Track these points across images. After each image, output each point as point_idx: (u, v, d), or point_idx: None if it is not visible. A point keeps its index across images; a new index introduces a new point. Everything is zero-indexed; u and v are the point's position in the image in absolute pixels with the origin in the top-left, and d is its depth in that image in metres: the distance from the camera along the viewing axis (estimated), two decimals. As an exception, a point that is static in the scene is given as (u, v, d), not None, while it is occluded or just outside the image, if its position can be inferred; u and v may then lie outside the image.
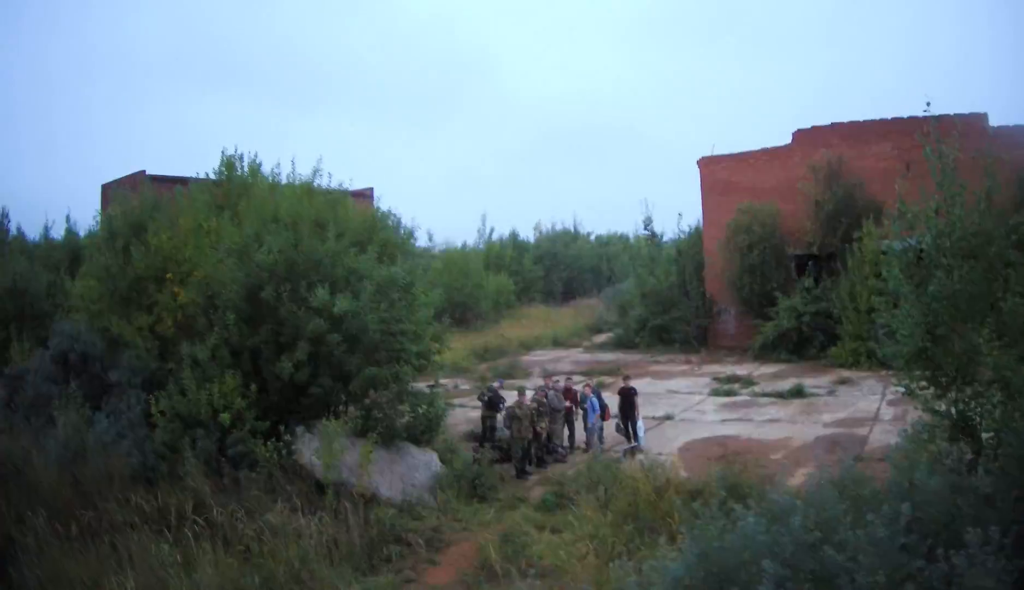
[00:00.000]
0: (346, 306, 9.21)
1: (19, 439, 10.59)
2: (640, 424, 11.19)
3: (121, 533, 8.09)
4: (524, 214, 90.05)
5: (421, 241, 32.32)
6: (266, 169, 13.72)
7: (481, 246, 33.97)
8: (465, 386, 16.59)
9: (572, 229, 37.86)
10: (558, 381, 12.45)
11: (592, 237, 39.36)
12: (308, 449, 9.24)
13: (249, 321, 9.76)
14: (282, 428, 9.32)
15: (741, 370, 17.30)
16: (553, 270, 32.98)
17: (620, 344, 22.40)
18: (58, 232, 22.72)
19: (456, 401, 14.42)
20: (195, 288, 10.51)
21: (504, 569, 7.31)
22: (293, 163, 17.72)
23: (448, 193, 68.17)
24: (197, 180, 13.49)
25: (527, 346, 22.79)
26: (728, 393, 14.92)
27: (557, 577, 7.11)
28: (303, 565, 7.54)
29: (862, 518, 4.31)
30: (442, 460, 10.03)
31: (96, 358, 11.22)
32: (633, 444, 10.90)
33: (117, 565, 7.49)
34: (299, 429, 9.45)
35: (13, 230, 23.70)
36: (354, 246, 10.20)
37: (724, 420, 12.94)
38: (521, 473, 10.42)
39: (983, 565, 3.95)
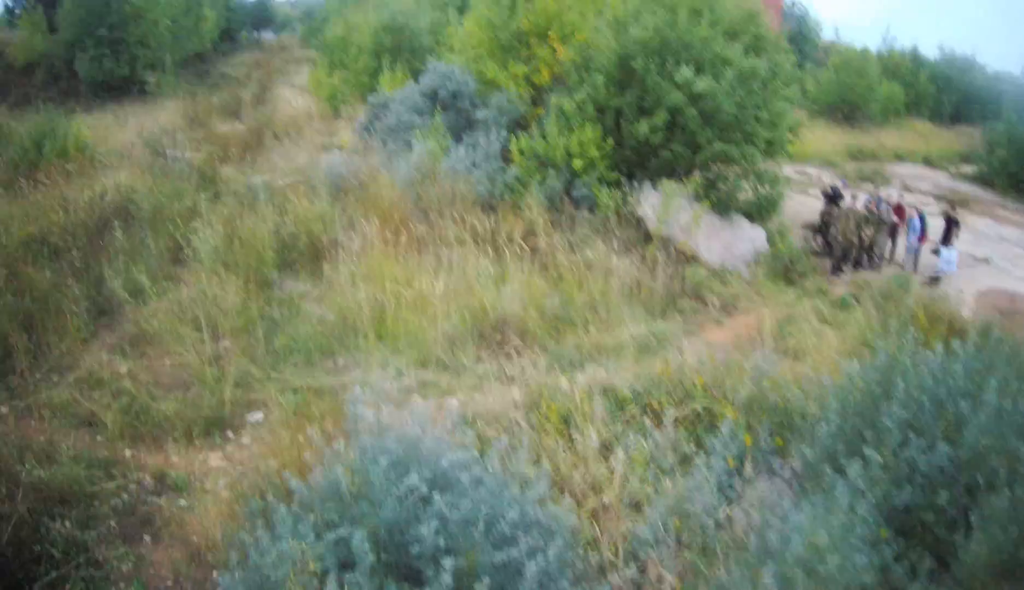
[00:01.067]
0: (705, 86, 12.91)
1: (370, 158, 15.49)
2: (953, 255, 14.12)
3: (449, 247, 12.01)
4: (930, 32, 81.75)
5: (827, 35, 41.58)
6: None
7: (882, 51, 39.12)
8: (827, 179, 20.42)
9: (970, 57, 40.48)
10: (890, 195, 15.88)
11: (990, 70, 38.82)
12: (647, 202, 13.31)
13: (617, 85, 13.95)
14: (627, 181, 13.57)
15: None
16: (945, 91, 36.95)
17: (982, 179, 25.62)
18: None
19: (811, 190, 18.52)
20: (574, 48, 14.78)
21: (766, 342, 9.98)
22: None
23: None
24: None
25: (899, 157, 27.38)
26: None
27: (802, 359, 9.66)
28: (603, 298, 11.09)
29: None
30: (769, 240, 13.92)
31: (466, 96, 15.92)
32: (939, 270, 14.01)
33: (435, 270, 11.28)
34: (645, 184, 13.52)
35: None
36: (727, 35, 13.77)
37: (1037, 279, 15.46)
38: (835, 270, 14.06)
39: None
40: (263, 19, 62.59)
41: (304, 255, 12.58)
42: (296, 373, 9.68)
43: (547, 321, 10.37)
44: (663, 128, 13.28)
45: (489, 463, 5.17)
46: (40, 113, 22.23)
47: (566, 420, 7.08)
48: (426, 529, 4.44)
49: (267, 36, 60.22)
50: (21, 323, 10.94)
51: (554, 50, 15.34)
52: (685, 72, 12.97)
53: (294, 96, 29.78)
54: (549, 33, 15.41)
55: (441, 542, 4.43)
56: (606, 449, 6.45)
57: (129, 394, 9.28)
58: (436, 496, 4.60)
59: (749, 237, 13.81)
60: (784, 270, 13.17)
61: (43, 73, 33.72)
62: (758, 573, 4.25)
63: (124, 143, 21.25)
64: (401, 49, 23.69)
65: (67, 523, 6.94)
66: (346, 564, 4.51)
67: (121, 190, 15.71)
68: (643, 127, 13.29)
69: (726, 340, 10.41)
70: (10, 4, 40.57)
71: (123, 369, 9.96)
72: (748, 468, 5.70)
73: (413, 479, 4.66)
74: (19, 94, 32.23)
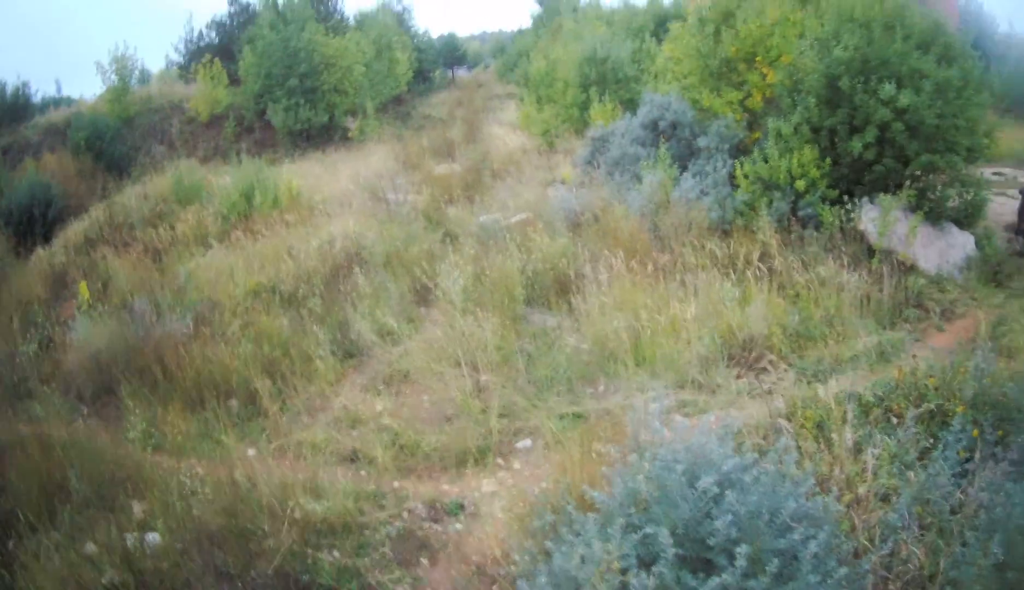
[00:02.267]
0: (908, 101, 14.41)
1: (600, 191, 17.67)
2: None
3: (692, 273, 13.70)
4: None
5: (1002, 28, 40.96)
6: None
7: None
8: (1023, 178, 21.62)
9: None
10: None
11: None
12: (867, 217, 14.73)
13: (827, 104, 15.45)
14: (846, 198, 15.02)
15: None
16: None
17: None
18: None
19: (1009, 191, 19.60)
20: (782, 71, 16.45)
21: (983, 343, 10.51)
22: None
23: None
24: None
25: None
26: None
27: (1015, 357, 10.76)
28: (837, 313, 12.73)
29: None
30: (977, 245, 15.28)
31: (686, 125, 17.91)
32: None
33: (683, 295, 12.78)
34: (863, 200, 15.01)
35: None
36: (918, 48, 15.11)
37: None
38: None
39: None
40: (455, 56, 65.76)
41: (550, 289, 14.16)
42: (559, 401, 10.99)
43: (789, 337, 11.82)
44: (874, 144, 14.72)
45: (763, 465, 6.26)
46: (238, 165, 24.76)
47: (819, 425, 8.31)
48: (721, 523, 5.50)
49: (461, 73, 63.13)
50: (264, 369, 12.72)
51: (763, 74, 17.02)
52: (888, 88, 14.40)
53: (505, 133, 31.49)
54: (756, 58, 17.13)
55: (733, 533, 5.50)
56: (857, 449, 7.55)
57: (390, 430, 10.79)
58: (728, 494, 5.72)
59: (960, 243, 15.12)
60: (993, 273, 14.48)
61: (232, 126, 36.58)
62: (986, 544, 5.47)
63: (339, 190, 23.37)
64: (606, 80, 25.67)
65: (336, 553, 8.22)
66: (644, 561, 5.60)
67: (350, 237, 17.65)
68: (856, 144, 14.76)
69: (948, 344, 11.73)
70: (179, 60, 43.96)
71: (379, 407, 11.42)
72: (976, 457, 6.83)
73: (706, 481, 5.75)
74: (207, 147, 35.26)
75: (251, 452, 10.72)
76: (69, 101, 45.26)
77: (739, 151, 16.96)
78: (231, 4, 43.09)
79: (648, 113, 18.47)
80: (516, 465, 9.79)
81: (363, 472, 9.95)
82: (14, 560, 8.55)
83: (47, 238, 25.83)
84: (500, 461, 9.90)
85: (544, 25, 43.84)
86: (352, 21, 44.34)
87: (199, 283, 17.10)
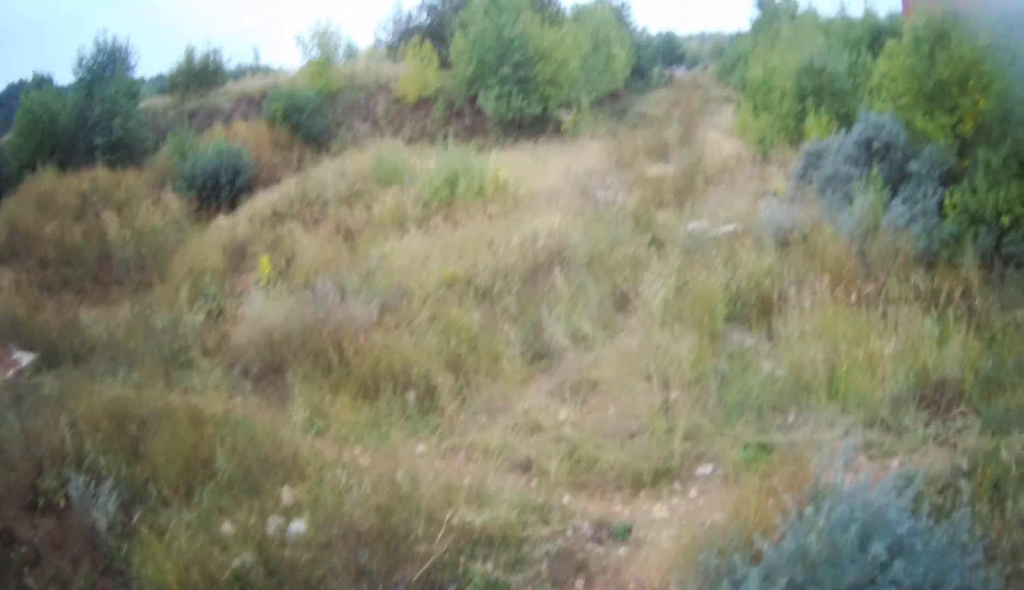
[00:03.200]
0: None
1: (811, 208, 17.43)
2: None
3: (894, 305, 13.25)
4: None
5: None
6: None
7: None
8: None
9: None
10: None
11: None
12: None
13: None
14: None
15: None
16: None
17: None
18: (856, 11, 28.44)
19: None
20: (994, 98, 15.98)
21: None
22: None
23: None
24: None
25: None
26: None
27: None
28: None
29: None
30: None
31: (899, 148, 17.52)
32: None
33: (883, 328, 12.30)
34: None
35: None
36: None
37: None
38: None
39: None
40: (673, 55, 65.54)
41: (753, 308, 14.03)
42: (746, 427, 10.96)
43: (980, 382, 11.40)
44: None
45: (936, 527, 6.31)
46: (445, 149, 24.98)
47: (996, 485, 8.16)
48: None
49: (679, 72, 63.14)
50: (447, 363, 12.96)
51: (975, 100, 16.43)
52: None
53: (720, 138, 31.57)
54: (969, 82, 16.48)
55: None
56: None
57: (569, 441, 10.83)
58: (897, 563, 5.80)
59: None
60: None
61: (441, 109, 37.20)
62: None
63: (548, 184, 23.63)
64: (822, 92, 25.21)
65: (490, 565, 8.24)
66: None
67: (554, 234, 17.71)
68: None
69: None
70: (387, 39, 45.34)
71: (562, 415, 11.57)
72: None
73: (877, 547, 5.85)
74: (414, 129, 36.12)
75: (420, 449, 11.35)
76: (267, 70, 46.86)
77: (949, 179, 16.45)
78: (443, -15, 43.61)
79: (863, 132, 18.09)
80: (692, 492, 9.81)
81: (534, 482, 10.21)
82: (134, 534, 8.96)
83: (233, 206, 26.71)
84: (677, 486, 9.92)
85: (761, 29, 43.20)
86: (569, 13, 44.42)
87: (391, 268, 17.28)
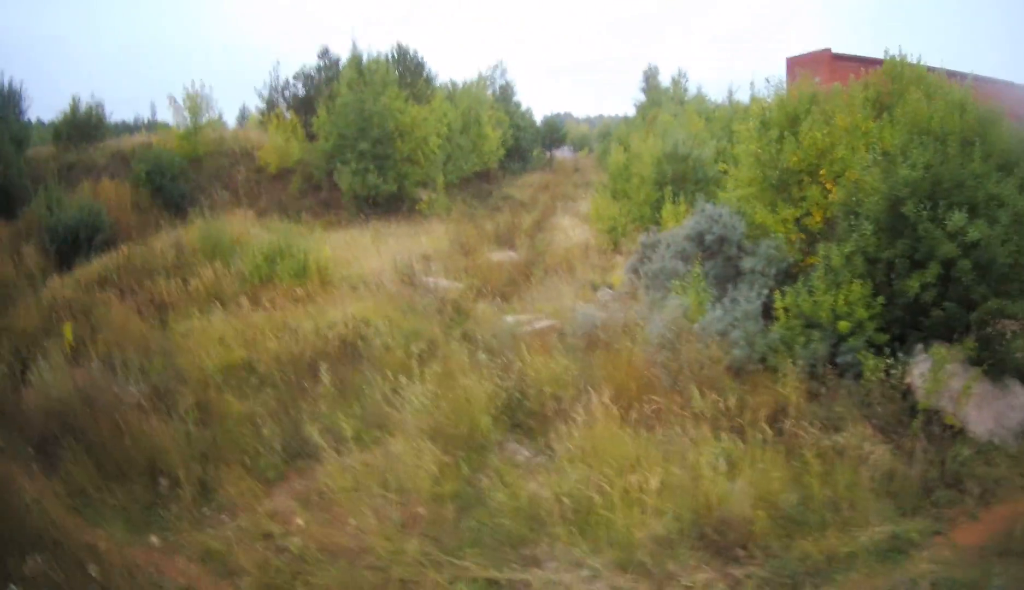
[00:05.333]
0: (979, 233, 12.54)
1: (632, 307, 16.20)
2: None
3: (682, 425, 11.80)
4: None
5: None
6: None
7: None
8: None
9: None
10: None
11: None
12: (917, 370, 12.81)
13: (887, 232, 13.64)
14: (897, 345, 13.06)
15: None
16: None
17: None
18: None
19: None
20: (844, 189, 14.68)
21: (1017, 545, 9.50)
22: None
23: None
24: (878, 63, 17.82)
25: None
26: None
27: None
28: (849, 492, 10.67)
29: None
30: None
31: (734, 242, 16.18)
32: None
33: (661, 455, 10.97)
34: (917, 347, 13.11)
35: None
36: (1000, 170, 13.36)
37: None
38: None
39: None
40: (555, 137, 66.03)
41: (535, 418, 12.70)
42: (483, 558, 9.54)
43: (778, 521, 9.98)
44: (935, 283, 12.86)
45: None
46: (293, 223, 24.37)
47: None
48: None
49: (563, 155, 63.62)
50: (201, 454, 12.09)
51: (826, 191, 15.32)
52: (958, 218, 12.55)
53: (574, 225, 30.84)
54: (820, 171, 15.44)
55: None
56: None
57: (292, 554, 9.85)
58: None
59: (1021, 404, 12.91)
60: None
61: (299, 181, 36.78)
62: None
63: (376, 268, 22.66)
64: (686, 179, 24.48)
65: None
66: None
67: (349, 323, 16.84)
68: (914, 283, 12.91)
69: (978, 540, 9.84)
70: (261, 106, 44.39)
71: (300, 522, 10.55)
72: None
73: None
74: (270, 201, 35.26)
75: (154, 540, 10.41)
76: (164, 126, 46.21)
77: (789, 277, 15.15)
78: (320, 57, 43.88)
79: (695, 224, 16.85)
80: None
81: None
82: None
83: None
84: None
85: (645, 113, 43.43)
86: (446, 89, 44.40)
87: (181, 348, 16.53)
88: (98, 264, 24.89)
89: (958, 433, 12.12)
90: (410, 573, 9.27)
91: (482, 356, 14.44)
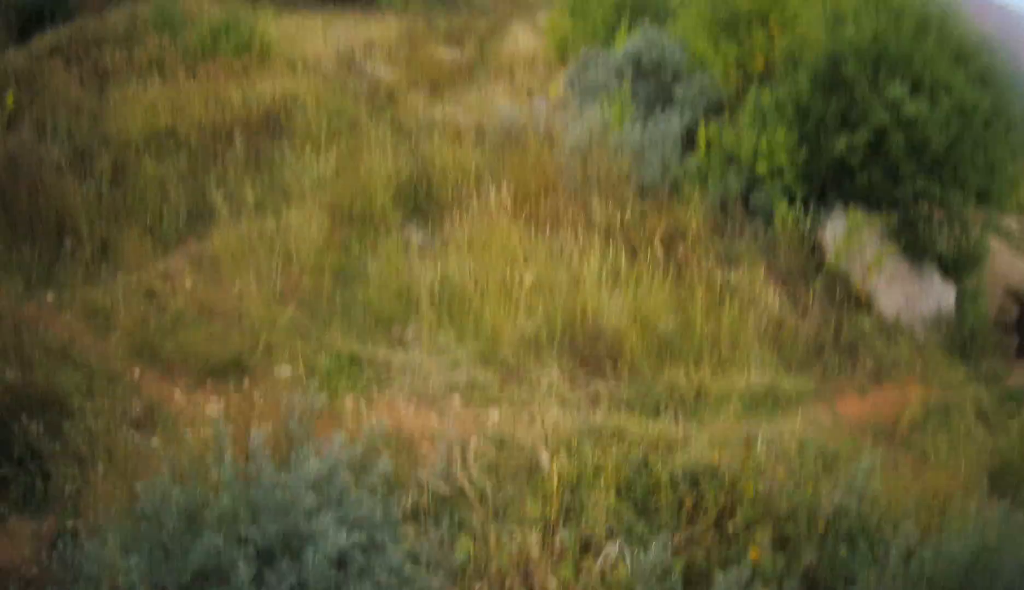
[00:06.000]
0: (916, 110, 12.18)
1: (558, 115, 15.72)
2: None
3: (576, 232, 11.46)
4: None
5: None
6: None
7: None
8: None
9: None
10: None
11: None
12: (831, 228, 12.65)
13: (822, 88, 13.24)
14: (814, 200, 12.87)
15: None
16: None
17: None
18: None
19: None
20: (789, 37, 14.31)
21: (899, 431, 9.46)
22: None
23: None
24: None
25: None
26: None
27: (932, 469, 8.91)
28: (731, 330, 10.45)
29: None
30: (958, 302, 12.82)
31: (670, 69, 15.88)
32: None
33: (547, 257, 10.91)
34: (836, 207, 12.90)
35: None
36: (954, 58, 12.89)
37: None
38: (1021, 351, 12.81)
39: None
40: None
41: (436, 206, 12.57)
42: (351, 333, 9.63)
43: (651, 344, 9.80)
44: (863, 148, 12.54)
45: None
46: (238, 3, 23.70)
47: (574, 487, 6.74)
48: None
49: (530, -37, 62.05)
50: (109, 214, 11.94)
51: (772, 37, 14.79)
52: (897, 89, 12.22)
53: (529, 35, 30.02)
54: (771, 16, 14.86)
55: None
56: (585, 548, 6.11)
57: (173, 313, 9.78)
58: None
59: (937, 294, 12.77)
60: (963, 342, 12.11)
61: (254, -36, 35.58)
62: None
63: (318, 51, 22.05)
64: (647, 9, 23.79)
65: (38, 428, 7.39)
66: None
67: (277, 98, 16.61)
68: (841, 143, 12.58)
69: (859, 416, 9.66)
70: None
71: (187, 284, 10.45)
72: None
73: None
74: (225, -15, 34.63)
75: (50, 298, 10.22)
76: None
77: (718, 112, 14.71)
78: None
79: (635, 45, 16.54)
80: (256, 393, 8.37)
81: (117, 351, 9.09)
82: None
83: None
84: (247, 382, 8.51)
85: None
86: None
87: (121, 114, 15.84)
88: (52, 36, 23.41)
89: (862, 304, 11.93)
90: (278, 339, 9.35)
91: (388, 134, 14.35)
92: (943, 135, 12.23)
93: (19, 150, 13.52)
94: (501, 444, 7.48)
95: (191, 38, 21.19)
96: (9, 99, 16.58)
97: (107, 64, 20.41)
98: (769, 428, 8.52)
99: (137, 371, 8.75)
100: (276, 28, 22.55)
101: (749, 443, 7.27)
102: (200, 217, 12.25)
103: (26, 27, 25.59)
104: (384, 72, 20.62)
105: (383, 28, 26.99)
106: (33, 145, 13.76)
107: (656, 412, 8.86)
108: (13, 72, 20.29)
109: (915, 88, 12.41)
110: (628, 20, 21.57)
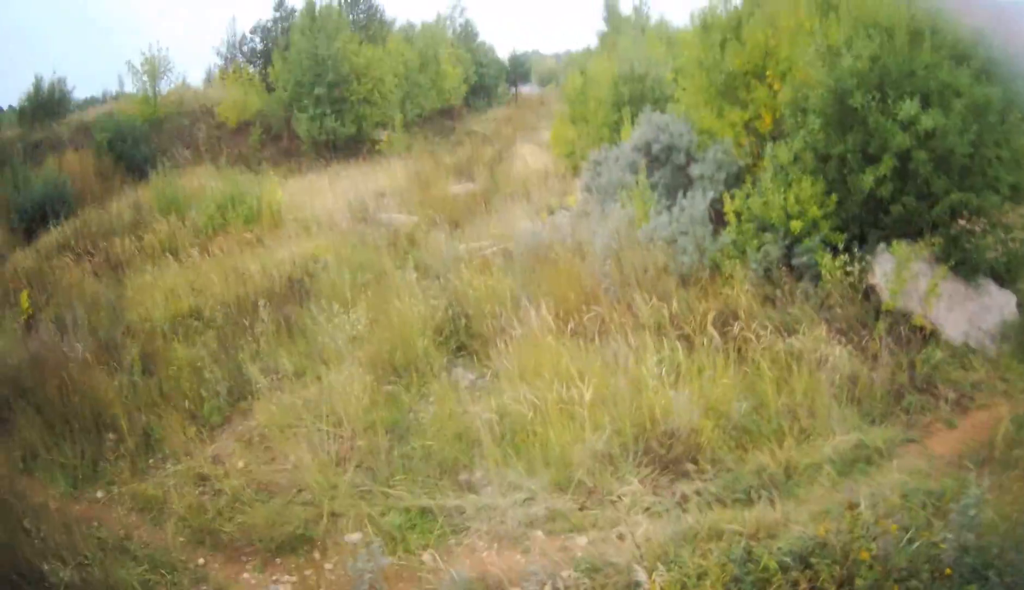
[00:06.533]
0: (933, 122, 11.77)
1: (582, 223, 15.65)
2: None
3: (623, 335, 11.16)
4: None
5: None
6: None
7: None
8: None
9: None
10: None
11: None
12: (880, 269, 12.11)
13: (836, 127, 12.87)
14: (856, 244, 12.41)
15: None
16: None
17: None
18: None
19: None
20: (791, 86, 13.82)
21: (997, 453, 8.82)
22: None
23: None
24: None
25: None
26: None
27: None
28: (807, 398, 10.00)
29: None
30: (1020, 307, 12.37)
31: (681, 150, 15.50)
32: None
33: (601, 367, 10.46)
34: (879, 246, 12.41)
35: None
36: (953, 60, 12.50)
37: None
38: None
39: None
40: (519, 73, 65.68)
41: (479, 339, 12.26)
42: (416, 486, 9.16)
43: (729, 432, 9.36)
44: (891, 177, 12.18)
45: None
46: (255, 173, 23.97)
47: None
48: None
49: (528, 90, 63.29)
50: (146, 404, 11.72)
51: (774, 91, 14.52)
52: (909, 106, 11.84)
53: (535, 153, 30.36)
54: (767, 72, 14.67)
55: None
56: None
57: (229, 495, 9.43)
58: None
59: (998, 305, 12.36)
60: None
61: (259, 132, 36.59)
62: None
63: (329, 208, 22.33)
64: (644, 99, 23.79)
65: None
66: None
67: (297, 262, 16.46)
68: (867, 178, 12.20)
69: (955, 449, 9.18)
70: (221, 64, 44.24)
71: (240, 463, 10.22)
72: None
73: None
74: (232, 154, 34.89)
75: (100, 495, 10.13)
76: (130, 96, 45.98)
77: (739, 182, 14.42)
78: (276, 9, 43.25)
79: (642, 134, 16.14)
80: (328, 565, 8.15)
81: (178, 540, 8.75)
82: None
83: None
84: (317, 555, 8.28)
85: (606, 43, 42.96)
86: (404, 31, 44.39)
87: (139, 301, 16.19)
88: (57, 232, 24.81)
89: (929, 336, 11.43)
90: (342, 506, 8.92)
91: (416, 277, 14.30)
92: (964, 140, 11.79)
93: (42, 350, 13.61)
94: (594, 571, 7.00)
95: (199, 216, 21.40)
96: (24, 301, 16.66)
97: (118, 253, 20.95)
98: (868, 486, 8.05)
99: (201, 559, 8.46)
100: (283, 192, 22.79)
101: (852, 507, 6.79)
102: (240, 394, 12.03)
103: (31, 227, 26.22)
104: (400, 217, 20.76)
105: (390, 175, 27.44)
106: (55, 343, 13.78)
107: (748, 500, 8.31)
108: (24, 273, 20.65)
109: (925, 100, 12.03)
110: (629, 113, 21.62)
